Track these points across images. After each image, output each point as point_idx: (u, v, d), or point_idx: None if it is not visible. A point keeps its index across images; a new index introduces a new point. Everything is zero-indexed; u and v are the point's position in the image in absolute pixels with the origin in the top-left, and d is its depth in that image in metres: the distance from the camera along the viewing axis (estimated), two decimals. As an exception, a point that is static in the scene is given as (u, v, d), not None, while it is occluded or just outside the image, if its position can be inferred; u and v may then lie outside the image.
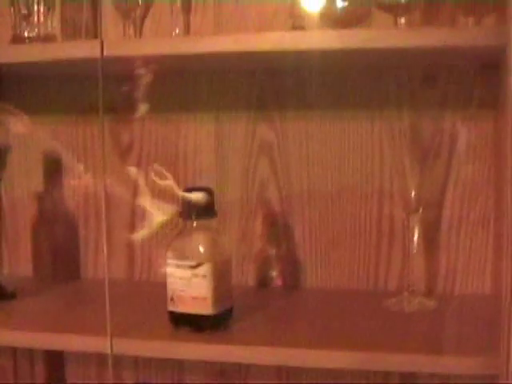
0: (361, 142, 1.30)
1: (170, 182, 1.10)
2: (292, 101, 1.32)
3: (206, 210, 1.11)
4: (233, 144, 1.34)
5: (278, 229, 1.34)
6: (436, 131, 1.23)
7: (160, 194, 1.13)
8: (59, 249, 1.43)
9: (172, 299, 1.11)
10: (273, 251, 1.34)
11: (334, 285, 1.33)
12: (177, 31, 1.25)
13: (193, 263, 1.08)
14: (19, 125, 1.33)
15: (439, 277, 1.29)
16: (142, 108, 1.33)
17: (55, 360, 1.47)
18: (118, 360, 1.42)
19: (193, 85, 1.34)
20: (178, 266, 1.09)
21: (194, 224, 1.11)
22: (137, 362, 1.42)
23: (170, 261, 1.10)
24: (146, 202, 1.28)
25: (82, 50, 1.11)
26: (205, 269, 1.08)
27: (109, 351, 1.10)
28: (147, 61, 1.14)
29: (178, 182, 1.33)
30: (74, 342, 1.14)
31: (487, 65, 1.19)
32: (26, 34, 1.23)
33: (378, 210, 1.30)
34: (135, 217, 1.38)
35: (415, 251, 1.21)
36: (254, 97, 1.33)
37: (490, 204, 1.25)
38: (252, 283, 1.36)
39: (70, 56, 1.10)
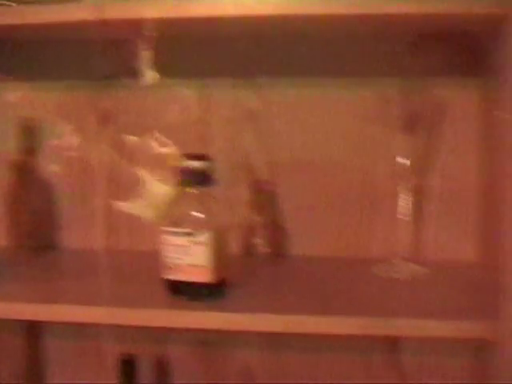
0: (347, 109, 1.29)
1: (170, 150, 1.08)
2: (278, 68, 1.30)
3: (206, 178, 1.09)
4: (218, 111, 1.32)
5: (263, 196, 1.33)
6: (423, 99, 1.23)
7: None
8: (36, 218, 1.39)
9: (169, 267, 1.09)
10: (258, 219, 1.33)
11: (320, 252, 1.33)
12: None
13: (192, 231, 1.06)
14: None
15: (425, 243, 1.30)
16: (125, 74, 1.31)
17: (32, 332, 1.44)
18: (99, 332, 1.40)
19: (178, 51, 1.31)
20: (175, 234, 1.08)
21: (193, 191, 1.09)
22: (118, 335, 1.39)
23: (166, 228, 1.08)
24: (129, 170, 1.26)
25: (79, 12, 1.07)
26: (205, 236, 1.06)
27: (104, 321, 1.08)
28: (134, 25, 1.11)
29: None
30: (63, 313, 1.11)
31: (475, 32, 1.20)
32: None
33: (365, 177, 1.30)
34: (115, 185, 1.36)
35: (406, 218, 1.22)
36: (239, 64, 1.31)
37: (475, 171, 1.26)
38: (237, 251, 1.35)
39: (65, 19, 1.06)
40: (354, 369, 1.35)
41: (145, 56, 1.13)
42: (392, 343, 1.33)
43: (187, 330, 1.36)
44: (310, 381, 1.36)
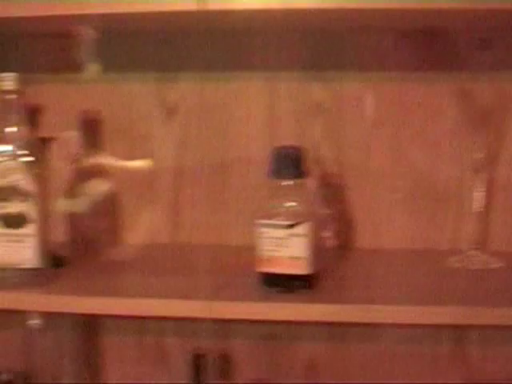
0: (418, 102, 1.30)
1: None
2: (347, 62, 1.30)
3: (300, 169, 1.09)
4: (286, 104, 1.32)
5: (331, 190, 1.33)
6: (492, 93, 1.25)
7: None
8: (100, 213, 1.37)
9: (267, 260, 1.08)
10: (327, 212, 1.33)
11: (387, 245, 1.33)
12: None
13: (290, 222, 1.06)
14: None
15: (493, 235, 1.32)
16: (193, 66, 1.30)
17: (88, 329, 1.41)
18: (161, 327, 1.39)
19: (245, 44, 1.31)
20: (272, 226, 1.07)
21: (288, 183, 1.08)
22: (179, 329, 1.38)
23: (262, 221, 1.08)
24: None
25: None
26: (304, 228, 1.06)
27: (205, 315, 1.07)
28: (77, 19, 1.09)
29: (228, 144, 1.32)
30: (156, 306, 1.10)
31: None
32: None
33: (434, 170, 1.31)
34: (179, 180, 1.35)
35: (478, 210, 1.23)
36: (307, 57, 1.31)
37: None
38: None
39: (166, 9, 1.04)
40: (419, 360, 1.36)
41: (88, 49, 1.12)
42: (458, 333, 1.34)
43: (251, 324, 1.35)
44: (375, 373, 1.37)
